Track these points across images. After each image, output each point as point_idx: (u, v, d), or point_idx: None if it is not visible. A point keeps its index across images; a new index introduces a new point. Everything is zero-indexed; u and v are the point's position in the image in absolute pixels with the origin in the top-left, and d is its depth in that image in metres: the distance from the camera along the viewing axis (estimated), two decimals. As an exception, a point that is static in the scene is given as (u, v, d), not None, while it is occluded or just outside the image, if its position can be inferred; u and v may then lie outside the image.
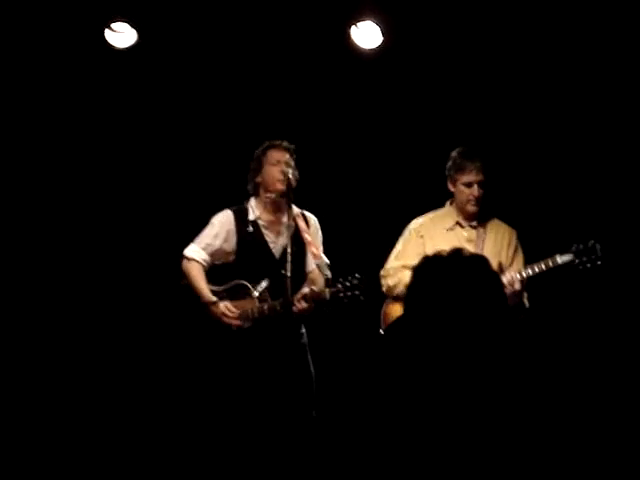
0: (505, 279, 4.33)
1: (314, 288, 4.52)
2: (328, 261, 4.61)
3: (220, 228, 4.71)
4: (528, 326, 4.47)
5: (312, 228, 4.70)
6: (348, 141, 5.77)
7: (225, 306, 4.59)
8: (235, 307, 4.60)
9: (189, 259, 4.70)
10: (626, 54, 5.20)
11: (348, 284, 4.37)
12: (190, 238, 4.78)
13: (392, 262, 4.69)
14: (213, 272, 4.74)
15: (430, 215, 4.75)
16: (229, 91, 5.76)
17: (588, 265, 4.30)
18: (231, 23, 5.53)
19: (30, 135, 5.70)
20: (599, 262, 4.29)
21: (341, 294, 4.37)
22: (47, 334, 5.60)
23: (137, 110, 5.83)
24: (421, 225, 4.70)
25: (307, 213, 4.75)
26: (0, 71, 5.50)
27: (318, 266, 4.50)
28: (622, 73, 5.24)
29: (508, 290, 4.25)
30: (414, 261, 4.81)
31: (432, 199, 4.88)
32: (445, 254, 2.09)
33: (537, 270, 4.39)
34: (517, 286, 4.35)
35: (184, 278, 4.72)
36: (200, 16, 5.49)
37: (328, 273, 4.47)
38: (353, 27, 5.37)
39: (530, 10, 5.20)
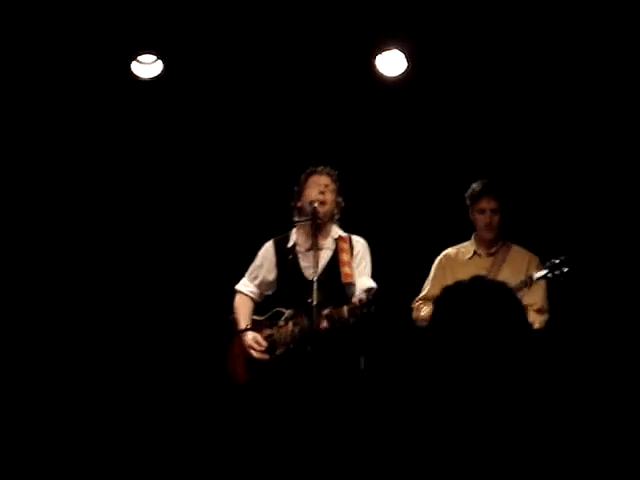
0: None
1: (336, 308, 4.51)
2: (372, 285, 4.61)
3: (263, 259, 4.84)
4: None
5: (355, 251, 4.72)
6: (375, 168, 5.80)
7: (253, 338, 4.64)
8: (273, 334, 4.65)
9: (237, 292, 4.86)
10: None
11: (364, 300, 4.39)
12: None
13: (419, 296, 4.95)
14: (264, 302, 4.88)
15: (457, 246, 4.97)
16: (255, 120, 5.81)
17: (561, 279, 4.53)
18: (257, 52, 5.59)
19: (57, 164, 5.78)
20: (569, 273, 4.51)
21: (357, 310, 4.38)
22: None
23: (168, 139, 5.91)
24: (445, 256, 4.96)
25: (355, 237, 4.78)
26: (27, 102, 5.60)
27: (344, 286, 4.54)
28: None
29: None
30: (436, 292, 5.01)
31: (460, 227, 4.99)
32: (465, 282, 2.07)
33: (519, 286, 4.55)
34: None
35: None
36: (226, 45, 5.56)
37: (355, 294, 4.50)
38: (378, 55, 5.40)
39: (555, 37, 5.22)
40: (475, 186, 4.82)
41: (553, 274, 4.52)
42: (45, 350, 5.61)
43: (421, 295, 4.93)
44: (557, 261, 4.53)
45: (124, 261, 5.88)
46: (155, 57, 5.49)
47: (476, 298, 2.01)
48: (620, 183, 5.38)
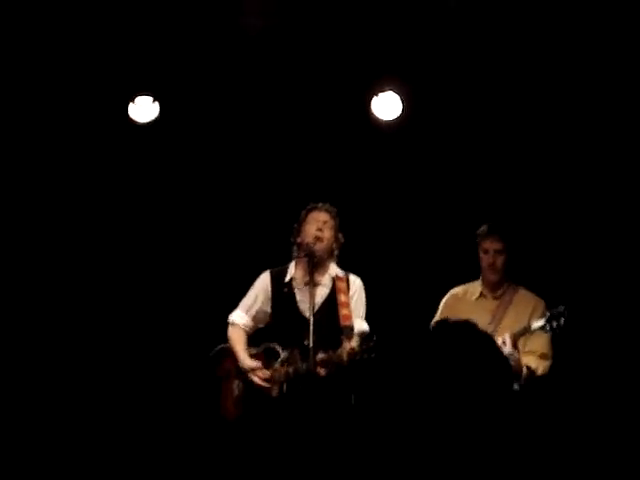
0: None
1: (334, 352, 4.50)
2: (366, 328, 4.61)
3: (258, 290, 4.81)
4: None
5: (352, 291, 4.72)
6: (381, 208, 5.83)
7: (259, 368, 4.63)
8: (267, 370, 4.64)
9: (231, 323, 4.82)
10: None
11: (364, 346, 4.38)
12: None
13: None
14: (254, 333, 4.85)
15: (465, 285, 4.94)
16: (250, 162, 5.83)
17: (557, 330, 4.48)
18: (253, 95, 5.62)
19: (55, 208, 5.80)
20: (563, 324, 4.46)
21: (357, 357, 4.37)
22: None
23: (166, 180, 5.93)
24: (452, 296, 4.93)
25: (352, 276, 4.78)
26: (24, 147, 5.63)
27: (343, 329, 4.52)
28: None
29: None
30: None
31: (464, 266, 4.99)
32: (431, 328, 2.05)
33: (519, 333, 4.55)
34: (507, 350, 4.39)
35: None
36: (222, 88, 5.60)
37: (352, 337, 4.49)
38: (374, 97, 5.43)
39: (550, 79, 5.25)
40: (483, 226, 4.80)
41: (551, 326, 4.48)
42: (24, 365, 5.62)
43: None
44: (556, 312, 4.49)
45: (121, 288, 5.89)
46: (152, 99, 5.52)
47: (442, 341, 1.99)
48: (625, 222, 5.38)
